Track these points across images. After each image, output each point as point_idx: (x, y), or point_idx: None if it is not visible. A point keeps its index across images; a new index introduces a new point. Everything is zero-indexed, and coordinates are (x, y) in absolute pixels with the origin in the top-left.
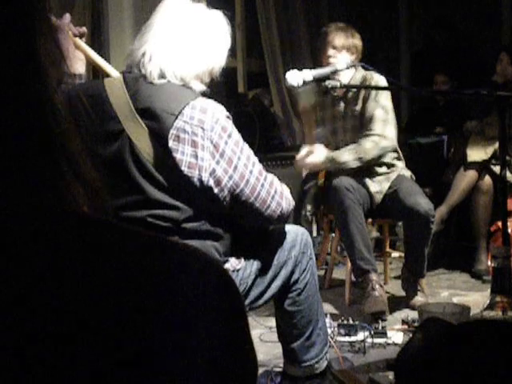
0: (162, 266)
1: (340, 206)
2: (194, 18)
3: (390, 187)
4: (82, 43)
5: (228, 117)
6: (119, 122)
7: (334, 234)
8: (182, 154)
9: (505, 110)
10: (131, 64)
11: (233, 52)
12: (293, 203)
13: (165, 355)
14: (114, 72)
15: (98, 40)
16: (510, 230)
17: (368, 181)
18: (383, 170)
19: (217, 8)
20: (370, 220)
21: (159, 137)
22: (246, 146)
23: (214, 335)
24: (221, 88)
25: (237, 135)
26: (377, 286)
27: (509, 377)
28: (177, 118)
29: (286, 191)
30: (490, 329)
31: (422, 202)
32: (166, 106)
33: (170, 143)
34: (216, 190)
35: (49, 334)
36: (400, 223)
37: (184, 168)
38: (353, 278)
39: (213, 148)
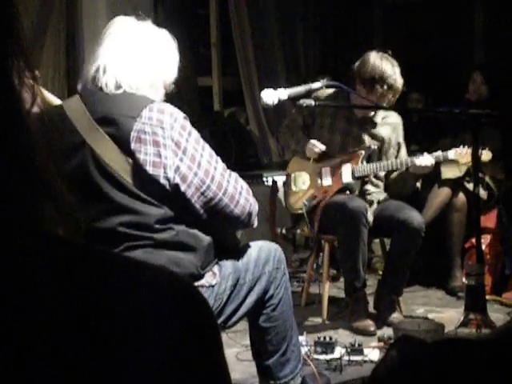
0: (127, 286)
1: (354, 228)
2: (141, 34)
3: (377, 204)
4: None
5: (185, 117)
6: (79, 134)
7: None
8: (146, 155)
9: (478, 128)
10: (86, 81)
11: (208, 70)
12: (256, 204)
13: (129, 376)
14: None
15: (72, 58)
16: (484, 247)
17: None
18: (374, 190)
19: (191, 27)
20: None
21: (121, 141)
22: (207, 145)
23: (183, 355)
24: (196, 106)
25: (196, 134)
26: (366, 304)
27: None
28: (136, 120)
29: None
30: (464, 347)
31: (415, 216)
32: (123, 111)
33: (132, 145)
34: (183, 188)
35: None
36: (376, 240)
37: (149, 168)
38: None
39: (174, 146)
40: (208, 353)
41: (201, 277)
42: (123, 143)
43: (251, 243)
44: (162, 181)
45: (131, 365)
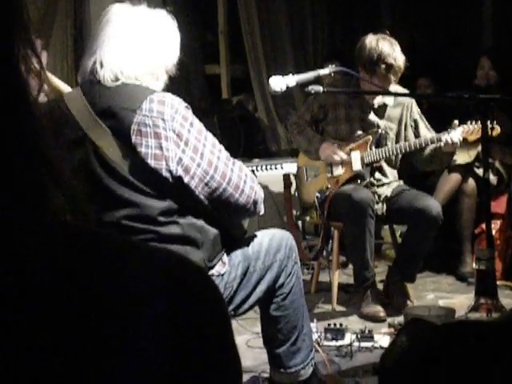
0: (128, 284)
1: (360, 219)
2: (137, 19)
3: (391, 193)
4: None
5: (187, 107)
6: (81, 129)
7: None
8: (147, 148)
9: (487, 113)
10: (84, 75)
11: (216, 58)
12: (261, 190)
13: (140, 361)
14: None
15: (80, 49)
16: (494, 232)
17: (376, 190)
18: (388, 179)
19: (199, 14)
20: None
21: (121, 135)
22: (210, 134)
23: (192, 344)
24: (205, 94)
25: (198, 124)
26: (376, 291)
27: (493, 379)
28: (136, 113)
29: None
30: (474, 329)
31: (433, 204)
32: (124, 104)
33: (133, 139)
34: (186, 179)
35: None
36: (385, 226)
37: (151, 161)
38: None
39: (176, 137)
40: (218, 340)
41: (209, 269)
42: (124, 136)
43: (263, 231)
44: (165, 173)
45: (132, 363)
